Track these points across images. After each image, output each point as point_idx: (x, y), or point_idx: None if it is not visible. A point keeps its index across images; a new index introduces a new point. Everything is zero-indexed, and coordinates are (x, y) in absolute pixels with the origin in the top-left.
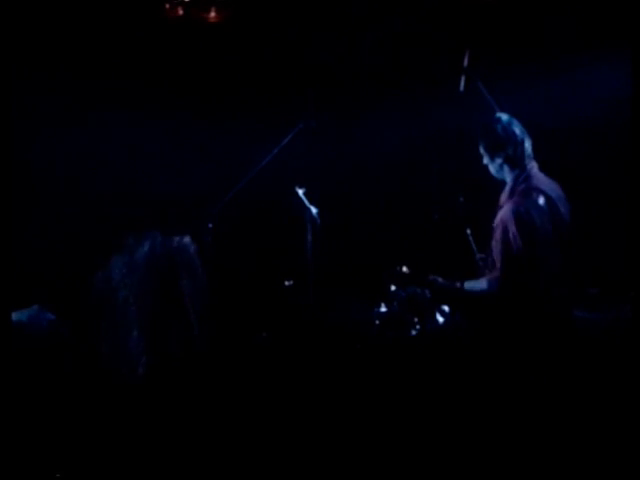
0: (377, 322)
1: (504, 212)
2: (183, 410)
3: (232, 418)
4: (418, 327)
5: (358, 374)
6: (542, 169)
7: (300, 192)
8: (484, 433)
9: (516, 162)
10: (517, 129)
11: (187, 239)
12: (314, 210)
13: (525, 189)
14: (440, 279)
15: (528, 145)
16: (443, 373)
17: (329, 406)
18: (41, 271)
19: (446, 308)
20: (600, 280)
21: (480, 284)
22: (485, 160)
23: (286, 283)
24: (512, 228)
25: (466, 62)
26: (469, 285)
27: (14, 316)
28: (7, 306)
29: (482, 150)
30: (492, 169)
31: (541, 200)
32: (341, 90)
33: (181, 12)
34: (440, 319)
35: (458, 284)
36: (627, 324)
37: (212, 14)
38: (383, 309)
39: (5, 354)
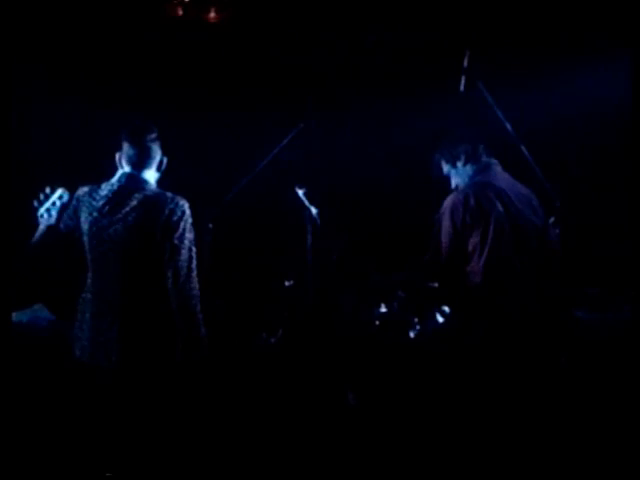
0: (377, 322)
1: (450, 197)
2: (182, 410)
3: (231, 418)
4: (418, 327)
5: (358, 374)
6: (546, 171)
7: (300, 192)
8: (485, 433)
9: (475, 158)
10: (466, 132)
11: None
12: (314, 210)
13: (478, 181)
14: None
15: (481, 146)
16: (443, 373)
17: (329, 406)
18: (41, 271)
19: (446, 308)
20: (600, 280)
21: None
22: (450, 174)
23: (286, 283)
24: (450, 211)
25: (466, 62)
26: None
27: (14, 316)
28: (7, 306)
29: (444, 164)
30: (455, 178)
31: (491, 193)
32: (341, 90)
33: (181, 12)
34: (440, 319)
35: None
36: (627, 324)
37: (212, 14)
38: (383, 309)
39: (5, 354)
